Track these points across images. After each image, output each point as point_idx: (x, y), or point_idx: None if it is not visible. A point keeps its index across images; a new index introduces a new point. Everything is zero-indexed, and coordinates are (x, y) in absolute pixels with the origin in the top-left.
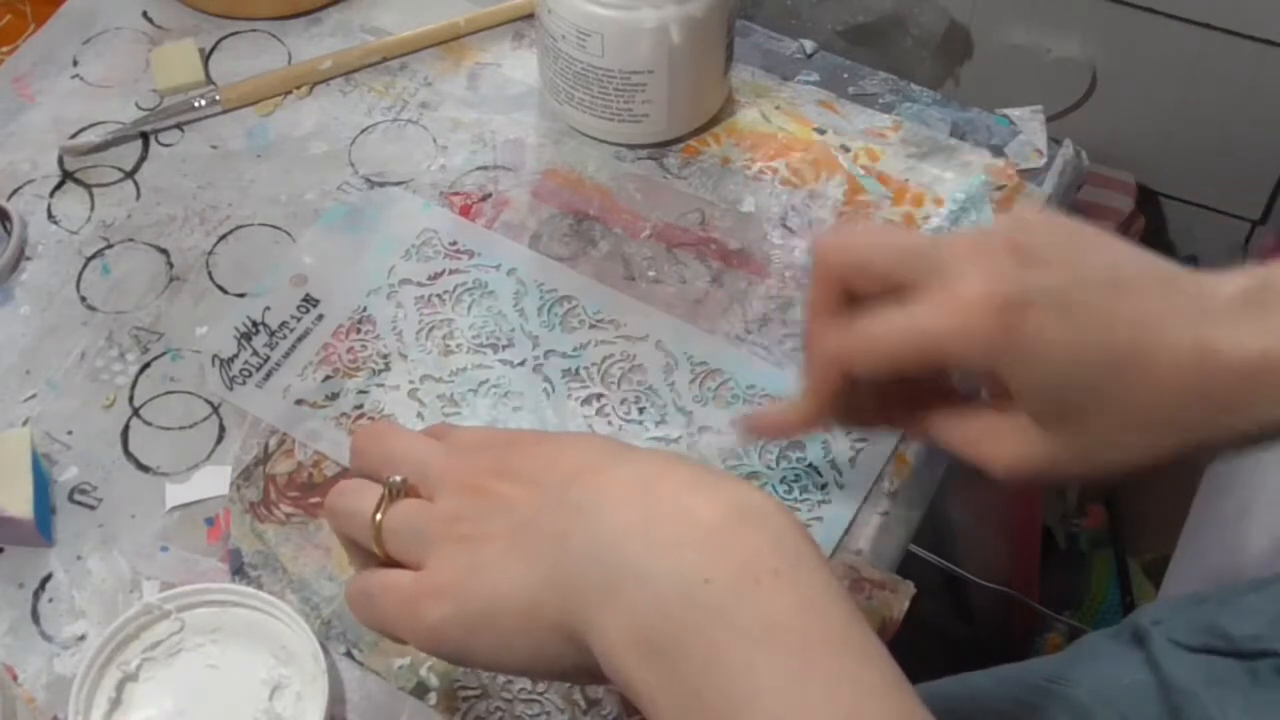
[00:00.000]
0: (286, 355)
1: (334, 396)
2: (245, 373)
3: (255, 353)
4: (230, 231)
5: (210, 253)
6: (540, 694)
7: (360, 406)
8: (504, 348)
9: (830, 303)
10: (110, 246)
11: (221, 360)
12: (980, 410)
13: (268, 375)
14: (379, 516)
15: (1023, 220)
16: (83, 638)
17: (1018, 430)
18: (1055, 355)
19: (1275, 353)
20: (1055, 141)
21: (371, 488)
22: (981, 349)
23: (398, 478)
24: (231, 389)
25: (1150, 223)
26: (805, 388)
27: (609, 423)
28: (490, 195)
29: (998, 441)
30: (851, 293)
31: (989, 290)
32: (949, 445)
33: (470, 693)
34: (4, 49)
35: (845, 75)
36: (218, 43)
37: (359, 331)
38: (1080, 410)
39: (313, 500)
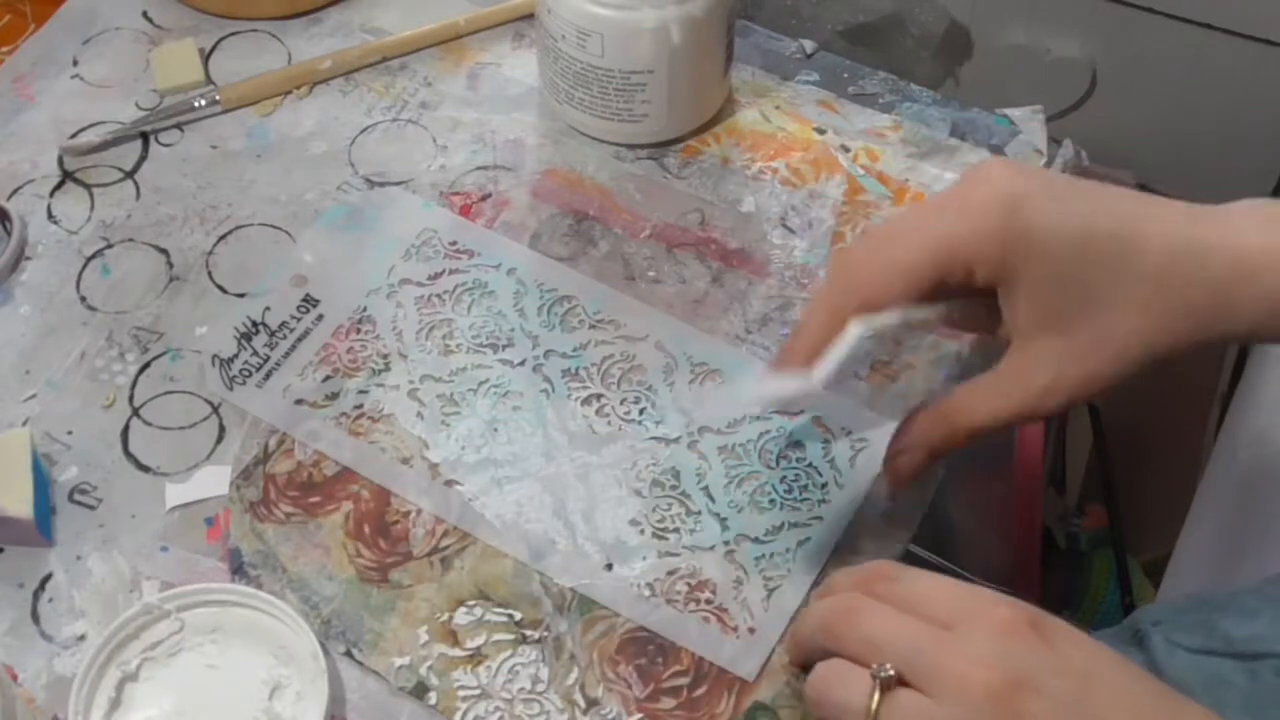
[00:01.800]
0: (286, 355)
1: (334, 396)
2: (245, 373)
3: (255, 353)
4: (230, 231)
5: (210, 253)
6: (540, 694)
7: (360, 406)
8: (504, 347)
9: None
10: (110, 246)
11: (221, 360)
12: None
13: (267, 375)
14: (873, 706)
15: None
16: (83, 638)
17: (1027, 365)
18: (1054, 242)
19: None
20: (1055, 141)
21: (856, 675)
22: (994, 245)
23: (890, 670)
24: (231, 389)
25: None
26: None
27: (609, 423)
28: (490, 195)
29: (1031, 373)
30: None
31: (995, 190)
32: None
33: (470, 693)
34: (4, 49)
35: (845, 75)
36: (218, 43)
37: (359, 331)
38: (1083, 300)
39: (312, 500)
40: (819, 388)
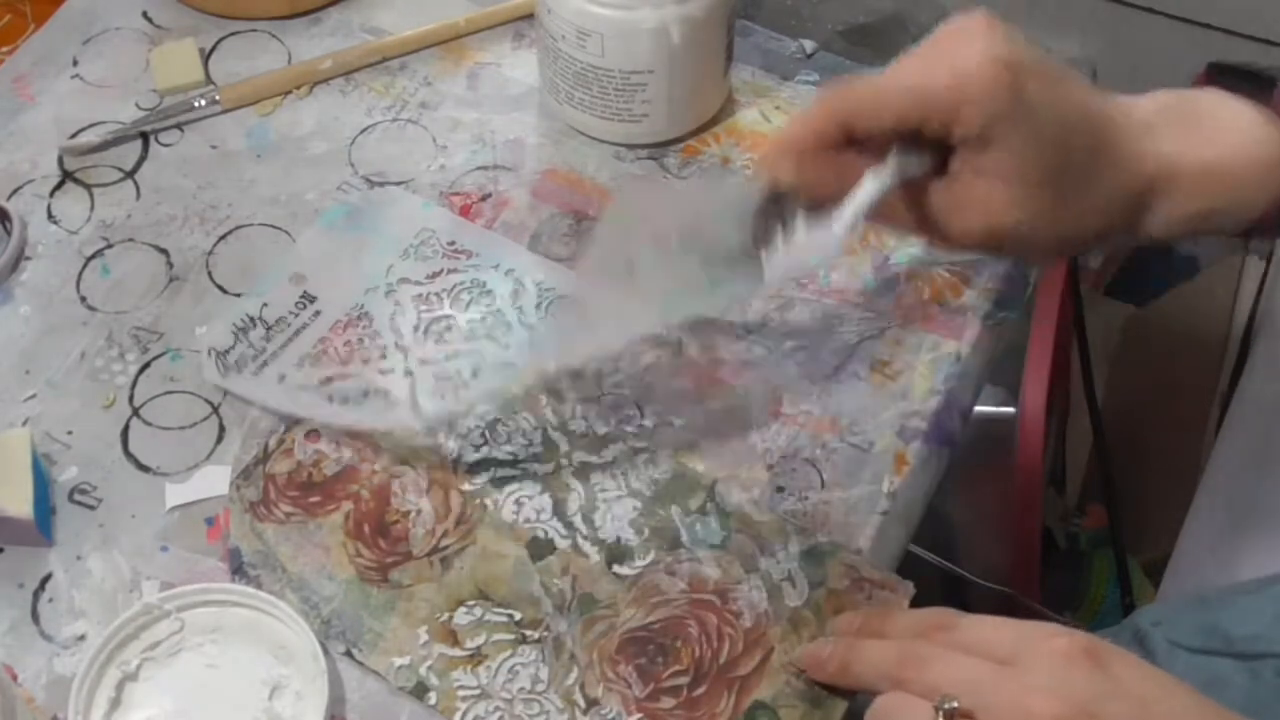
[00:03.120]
0: (283, 347)
1: (328, 381)
2: (240, 363)
3: (250, 345)
4: (230, 231)
5: (210, 253)
6: (540, 694)
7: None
8: (502, 345)
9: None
10: (110, 246)
11: (218, 352)
12: (942, 188)
13: (263, 365)
14: None
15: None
16: (83, 638)
17: (994, 194)
18: (1046, 115)
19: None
20: None
21: (921, 708)
22: (984, 104)
23: (954, 703)
24: (225, 375)
25: None
26: (792, 123)
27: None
28: (490, 195)
29: (971, 209)
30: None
31: (992, 55)
32: (913, 224)
33: (470, 693)
34: (4, 49)
35: (845, 75)
36: (218, 43)
37: (356, 326)
38: (1062, 172)
39: (312, 500)
40: (841, 238)
